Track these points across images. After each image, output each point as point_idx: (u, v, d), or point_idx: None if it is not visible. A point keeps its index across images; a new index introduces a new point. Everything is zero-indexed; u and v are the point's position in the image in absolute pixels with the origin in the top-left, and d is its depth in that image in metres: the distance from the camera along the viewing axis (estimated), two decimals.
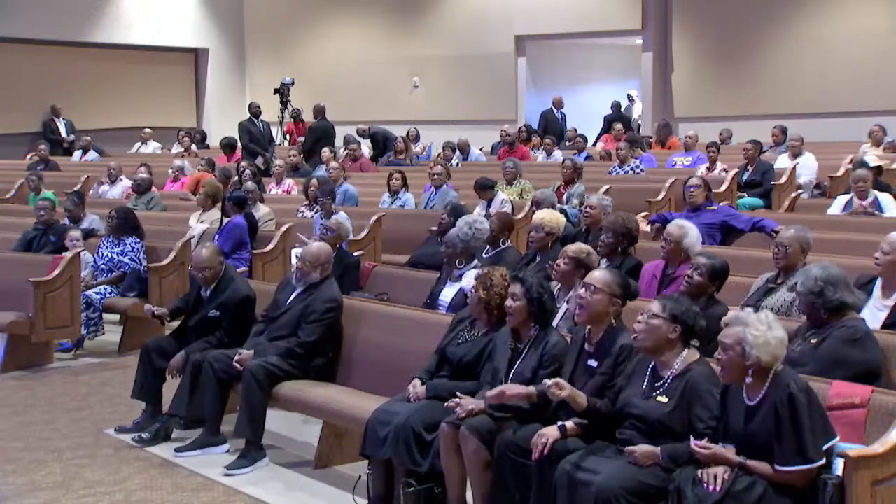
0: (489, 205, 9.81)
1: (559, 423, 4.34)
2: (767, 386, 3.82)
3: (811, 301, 4.63)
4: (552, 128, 18.21)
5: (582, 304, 4.55)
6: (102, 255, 8.90)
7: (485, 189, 10.01)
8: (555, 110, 18.94)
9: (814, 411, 3.73)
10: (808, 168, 11.73)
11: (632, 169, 12.33)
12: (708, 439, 3.91)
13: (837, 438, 3.77)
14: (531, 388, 4.51)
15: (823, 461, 3.71)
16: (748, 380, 3.85)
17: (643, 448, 4.01)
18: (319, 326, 6.03)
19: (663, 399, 4.10)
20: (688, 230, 6.24)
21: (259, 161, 14.06)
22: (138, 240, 8.92)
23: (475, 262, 6.63)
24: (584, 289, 4.59)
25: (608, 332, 4.51)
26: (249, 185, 10.72)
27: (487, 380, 4.89)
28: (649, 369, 4.23)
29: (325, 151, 14.10)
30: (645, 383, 4.20)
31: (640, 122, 19.92)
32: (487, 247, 7.32)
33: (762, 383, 3.83)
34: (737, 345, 3.83)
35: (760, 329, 3.81)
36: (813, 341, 4.63)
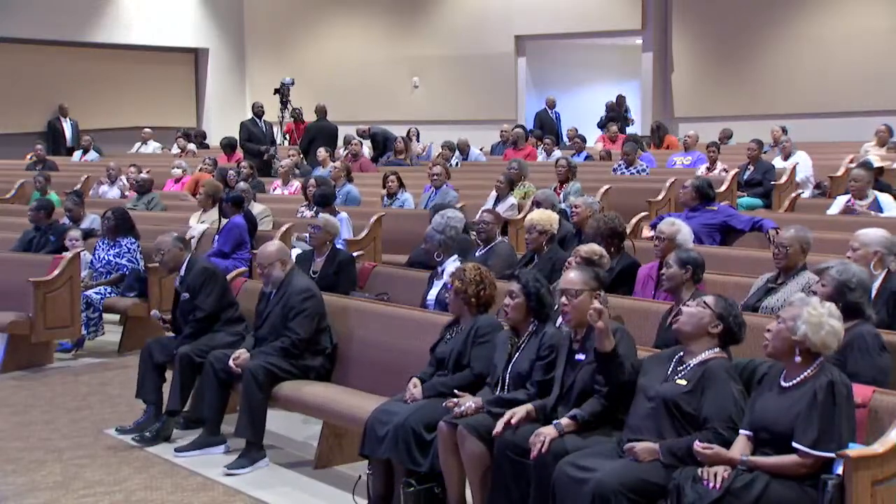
0: (498, 202, 9.79)
1: (555, 421, 4.36)
2: (809, 372, 3.85)
3: (840, 291, 4.57)
4: (547, 128, 18.26)
5: (568, 311, 4.55)
6: (99, 257, 8.88)
7: (511, 185, 10.01)
8: (549, 111, 18.98)
9: (850, 407, 3.77)
10: (803, 165, 11.75)
11: (638, 171, 12.32)
12: (710, 436, 3.92)
13: (856, 444, 3.75)
14: (529, 406, 4.53)
15: (845, 449, 3.69)
16: (797, 359, 3.86)
17: (642, 444, 4.02)
18: (304, 319, 6.01)
19: (682, 382, 4.14)
20: (679, 227, 6.27)
21: (266, 154, 14.09)
22: (134, 240, 8.90)
23: (455, 255, 6.65)
24: (563, 297, 4.58)
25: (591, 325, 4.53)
26: (242, 185, 10.71)
27: (478, 369, 4.95)
28: (675, 359, 4.27)
29: (321, 152, 14.06)
30: (669, 371, 4.24)
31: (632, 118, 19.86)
32: (480, 245, 7.33)
33: (805, 367, 3.86)
34: (790, 319, 3.89)
35: (820, 311, 3.88)
36: None
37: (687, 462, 3.90)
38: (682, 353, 4.28)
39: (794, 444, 3.74)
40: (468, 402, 4.68)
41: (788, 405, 3.82)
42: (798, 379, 3.87)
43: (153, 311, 7.33)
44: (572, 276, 4.65)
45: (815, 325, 3.85)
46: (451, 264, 6.40)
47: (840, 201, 8.92)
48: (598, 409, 4.35)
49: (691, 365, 4.19)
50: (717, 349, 4.22)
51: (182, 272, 6.64)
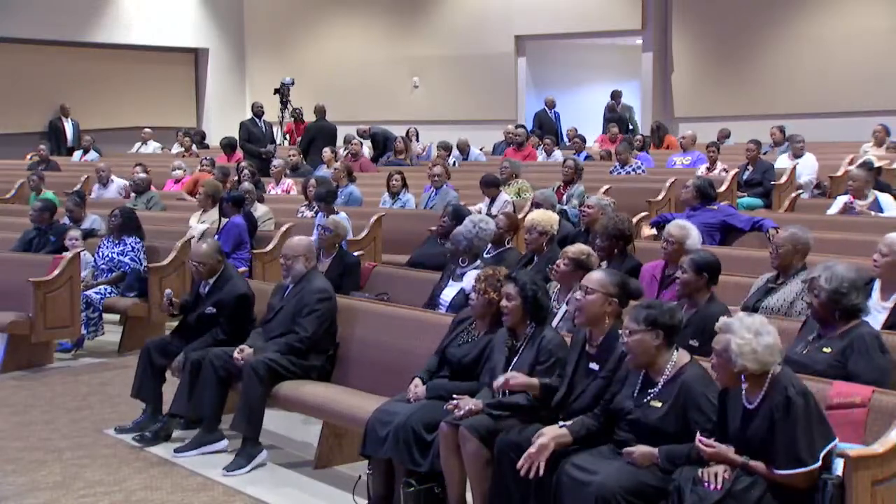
0: (492, 203, 9.80)
1: (560, 423, 4.34)
2: (766, 389, 3.80)
3: (834, 299, 4.49)
4: (546, 128, 18.28)
5: (578, 307, 4.56)
6: (103, 255, 8.90)
7: (489, 186, 9.99)
8: (548, 111, 18.99)
9: (811, 414, 3.71)
10: (808, 168, 11.76)
11: (633, 170, 12.34)
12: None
13: (836, 441, 3.74)
14: (534, 379, 4.55)
15: (819, 464, 3.68)
16: (744, 385, 3.84)
17: (641, 449, 4.01)
18: (315, 319, 6.02)
19: (657, 403, 4.09)
20: (689, 231, 6.23)
21: (265, 154, 14.11)
22: (139, 240, 8.92)
23: (478, 262, 6.63)
24: (580, 291, 4.59)
25: (609, 335, 4.50)
26: (246, 185, 10.72)
27: (486, 381, 4.90)
28: (641, 374, 4.21)
29: (326, 152, 14.10)
30: (637, 389, 4.19)
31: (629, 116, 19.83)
32: (490, 246, 7.32)
33: (760, 387, 3.81)
34: (724, 351, 3.83)
35: (746, 337, 3.77)
36: (827, 350, 4.50)
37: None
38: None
39: (776, 471, 3.71)
40: (468, 404, 4.67)
41: (756, 427, 3.79)
42: (757, 401, 3.81)
43: (167, 290, 7.11)
44: (594, 275, 4.64)
45: (748, 354, 3.76)
46: (473, 271, 6.35)
47: (840, 201, 8.93)
48: (593, 429, 4.35)
49: (661, 383, 4.12)
50: (674, 355, 4.15)
51: (211, 281, 6.54)
